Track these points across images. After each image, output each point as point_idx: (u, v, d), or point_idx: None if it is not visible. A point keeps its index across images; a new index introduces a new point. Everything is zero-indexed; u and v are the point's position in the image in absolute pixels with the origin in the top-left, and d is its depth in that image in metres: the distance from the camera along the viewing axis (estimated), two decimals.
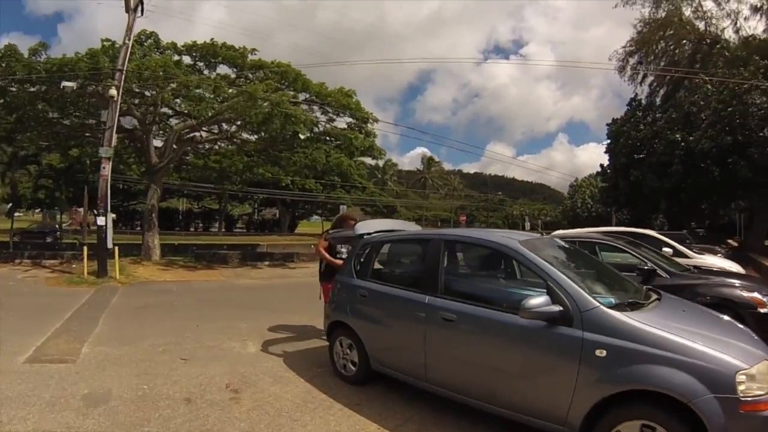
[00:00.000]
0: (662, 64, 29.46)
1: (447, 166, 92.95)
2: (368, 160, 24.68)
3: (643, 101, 28.33)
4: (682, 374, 2.52)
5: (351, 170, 20.53)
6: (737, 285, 6.09)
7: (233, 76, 16.91)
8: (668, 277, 6.10)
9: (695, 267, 7.26)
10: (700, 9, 27.85)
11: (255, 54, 16.75)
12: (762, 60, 20.18)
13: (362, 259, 4.71)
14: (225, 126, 17.87)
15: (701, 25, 27.40)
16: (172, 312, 8.04)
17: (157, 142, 17.88)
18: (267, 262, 18.17)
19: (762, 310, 5.46)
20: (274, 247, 25.96)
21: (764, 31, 25.91)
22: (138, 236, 19.57)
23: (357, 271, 4.66)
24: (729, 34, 26.93)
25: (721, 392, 2.44)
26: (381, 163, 53.94)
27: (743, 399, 2.44)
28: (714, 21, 27.51)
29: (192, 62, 16.63)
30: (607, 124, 29.21)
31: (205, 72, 16.66)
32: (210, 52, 16.17)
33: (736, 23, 27.28)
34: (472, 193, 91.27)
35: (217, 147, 20.06)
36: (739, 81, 19.80)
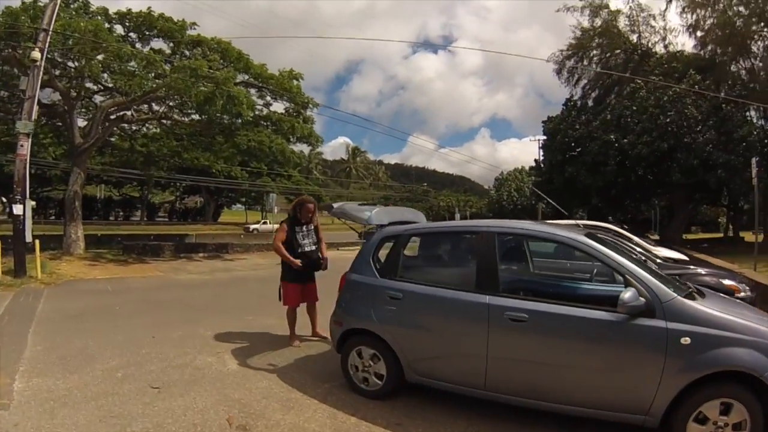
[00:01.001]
0: (595, 68, 31.18)
1: (369, 156, 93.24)
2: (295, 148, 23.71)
3: (578, 103, 29.93)
4: (754, 353, 2.72)
5: (293, 156, 19.61)
6: (715, 274, 6.51)
7: (168, 51, 15.13)
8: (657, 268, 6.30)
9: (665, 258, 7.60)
10: (634, 23, 29.88)
11: (194, 29, 15.12)
12: (696, 73, 22.46)
13: (385, 255, 4.08)
14: (155, 106, 16.15)
15: (634, 37, 29.42)
16: (117, 319, 6.71)
17: (79, 122, 15.63)
18: (202, 254, 17.18)
19: (738, 295, 5.81)
20: (203, 237, 24.41)
21: (694, 47, 28.37)
22: (54, 227, 17.36)
23: (379, 269, 4.02)
24: (660, 47, 29.11)
25: None
26: (306, 151, 52.82)
27: None
28: (645, 34, 29.63)
29: (124, 33, 14.56)
30: (543, 122, 30.51)
31: (138, 45, 14.62)
32: (145, 23, 14.23)
33: (665, 38, 29.56)
34: (394, 184, 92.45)
35: (145, 129, 18.09)
36: (681, 88, 21.54)
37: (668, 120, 21.84)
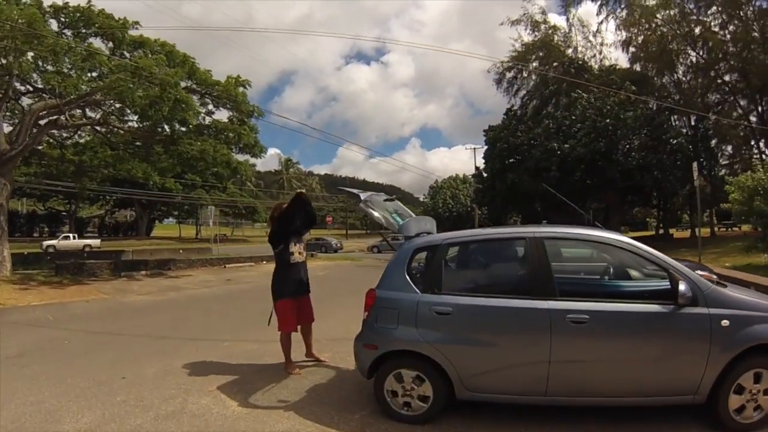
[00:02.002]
0: (534, 80, 32.58)
1: (300, 168, 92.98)
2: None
3: (518, 112, 31.05)
4: None
5: (240, 167, 18.54)
6: (689, 266, 6.79)
7: (107, 52, 13.70)
8: None
9: None
10: (572, 39, 31.55)
11: (137, 28, 13.80)
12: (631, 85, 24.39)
13: (423, 268, 3.74)
14: (89, 111, 14.58)
15: (570, 51, 31.03)
16: (70, 358, 5.54)
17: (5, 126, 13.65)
18: (143, 272, 15.71)
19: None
20: (140, 253, 22.53)
21: (627, 61, 30.40)
22: None
23: (419, 283, 3.65)
24: (596, 61, 30.95)
25: None
26: (252, 161, 51.06)
27: None
28: (582, 49, 31.37)
29: (58, 28, 12.90)
30: (484, 131, 31.56)
31: (72, 45, 13.03)
32: (84, 18, 12.72)
33: (601, 53, 31.45)
34: (327, 194, 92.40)
35: (77, 137, 16.34)
36: (624, 94, 22.90)
37: (606, 122, 23.22)
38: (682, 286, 3.20)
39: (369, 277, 16.81)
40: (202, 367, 5.06)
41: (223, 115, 16.50)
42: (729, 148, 32.16)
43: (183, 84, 14.15)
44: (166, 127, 14.83)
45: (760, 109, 28.24)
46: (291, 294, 4.86)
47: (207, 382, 4.56)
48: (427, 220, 4.47)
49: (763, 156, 28.47)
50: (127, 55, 13.71)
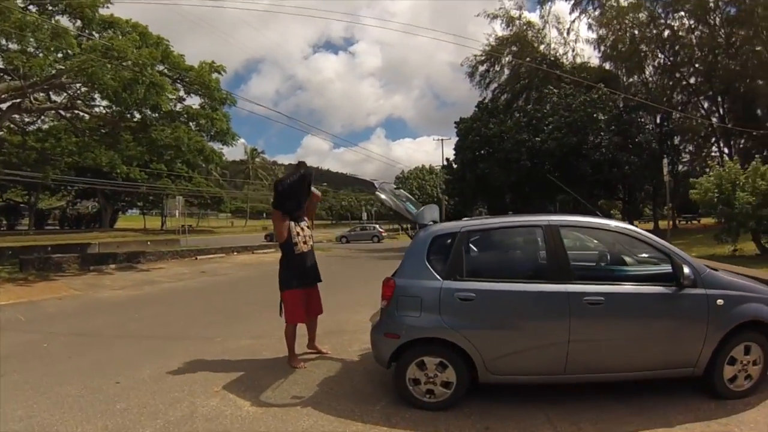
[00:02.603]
0: (506, 74, 32.94)
1: (265, 157, 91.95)
2: None
3: (489, 105, 31.37)
4: (762, 306, 3.63)
5: (213, 155, 17.91)
6: None
7: (74, 32, 12.85)
8: None
9: None
10: (544, 35, 32.02)
11: (108, 6, 12.95)
12: (604, 86, 25.27)
13: (445, 255, 3.71)
14: (54, 95, 13.71)
15: (542, 48, 31.50)
16: (54, 364, 5.00)
17: None
18: (113, 265, 15.03)
19: None
20: (106, 246, 21.45)
21: (599, 58, 31.12)
22: None
23: (440, 271, 3.65)
24: (568, 58, 31.54)
25: None
26: (225, 150, 49.89)
27: None
28: (554, 46, 31.93)
29: (23, 3, 11.87)
30: (456, 123, 31.73)
31: (39, 22, 12.09)
32: None
33: (574, 50, 32.08)
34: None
35: (39, 122, 15.33)
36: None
37: (576, 117, 23.80)
38: (686, 269, 3.53)
39: (346, 268, 16.74)
40: (200, 366, 4.79)
41: (192, 102, 15.80)
42: (690, 146, 33.59)
43: (157, 68, 13.44)
44: (136, 113, 14.11)
45: (721, 110, 29.62)
46: (299, 284, 4.68)
47: (210, 381, 4.33)
48: (434, 209, 4.40)
49: (723, 154, 29.91)
50: (96, 35, 12.88)
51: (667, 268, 3.64)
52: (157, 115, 14.19)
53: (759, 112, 27.38)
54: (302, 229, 4.77)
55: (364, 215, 57.41)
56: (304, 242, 4.75)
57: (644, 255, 4.11)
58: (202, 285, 11.89)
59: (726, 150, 30.31)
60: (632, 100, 27.73)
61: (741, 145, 28.71)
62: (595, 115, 24.54)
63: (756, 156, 15.60)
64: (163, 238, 28.42)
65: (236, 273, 14.66)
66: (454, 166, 33.35)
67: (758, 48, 24.69)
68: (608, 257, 4.37)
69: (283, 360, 4.91)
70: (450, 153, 34.12)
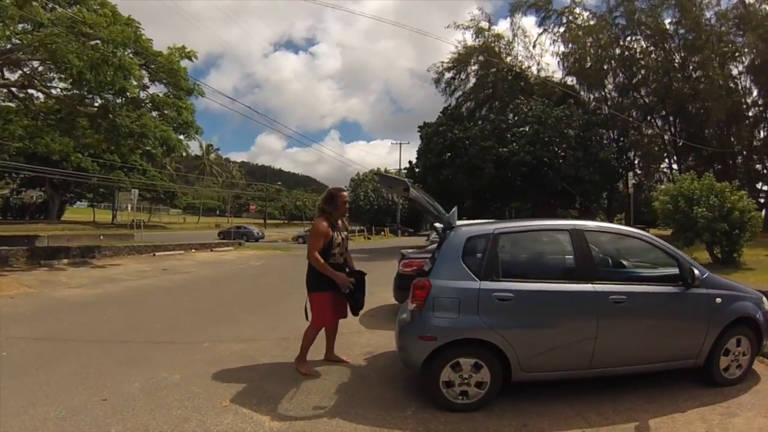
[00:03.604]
0: (472, 82, 33.56)
1: (220, 154, 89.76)
2: None
3: (454, 112, 31.84)
4: (750, 304, 4.18)
5: (179, 146, 17.01)
6: None
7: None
8: None
9: None
10: (511, 47, 32.88)
11: None
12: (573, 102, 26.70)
13: (480, 257, 3.74)
14: (7, 72, 12.54)
15: (509, 59, 32.32)
16: (20, 377, 4.21)
17: None
18: (65, 260, 14.01)
19: None
20: (56, 239, 20.07)
21: (563, 73, 32.25)
22: None
23: (476, 272, 3.66)
24: (533, 71, 32.52)
25: (762, 310, 4.23)
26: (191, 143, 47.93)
27: (764, 310, 4.25)
28: (520, 59, 32.87)
29: None
30: (419, 127, 32.09)
31: None
32: None
33: (539, 64, 33.11)
34: (251, 182, 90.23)
35: None
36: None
37: (550, 137, 24.67)
38: (696, 271, 3.93)
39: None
40: (196, 376, 4.30)
41: (155, 91, 14.95)
42: (643, 162, 35.43)
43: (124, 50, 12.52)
44: (98, 97, 13.19)
45: (673, 129, 31.43)
46: (331, 286, 4.34)
47: (214, 394, 3.90)
48: (455, 212, 4.39)
49: (672, 170, 31.76)
50: (59, 9, 11.89)
51: (674, 270, 4.02)
52: (121, 100, 13.31)
53: (708, 132, 29.16)
54: (341, 239, 4.50)
55: None
56: (341, 254, 4.50)
57: (652, 257, 4.40)
58: (167, 284, 11.19)
59: (675, 166, 32.21)
60: (596, 115, 28.93)
61: (690, 163, 30.39)
62: (565, 131, 25.40)
63: (706, 173, 16.58)
64: (115, 232, 26.91)
65: (200, 271, 13.97)
66: (416, 169, 33.51)
67: (710, 73, 26.37)
68: (624, 260, 4.56)
69: (284, 366, 4.62)
70: (406, 157, 34.31)
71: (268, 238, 40.95)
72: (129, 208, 26.40)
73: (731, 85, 28.78)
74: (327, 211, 4.40)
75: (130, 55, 13.04)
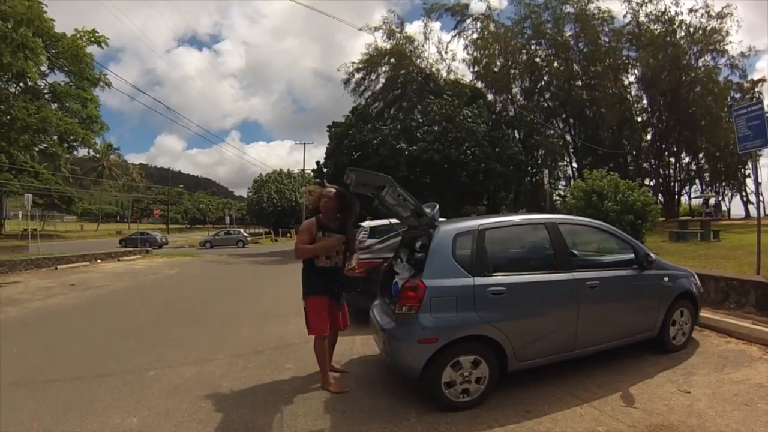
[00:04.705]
0: (382, 83, 34.16)
1: (119, 155, 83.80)
2: None
3: (363, 112, 32.09)
4: (687, 280, 4.94)
5: (87, 142, 15.24)
6: None
7: None
8: None
9: None
10: (423, 49, 33.87)
11: None
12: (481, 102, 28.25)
13: (468, 253, 3.79)
14: None
15: (419, 62, 33.29)
16: None
17: None
18: None
19: None
20: None
21: (473, 76, 33.78)
22: None
23: (468, 268, 3.70)
24: (443, 74, 33.78)
25: (694, 285, 5.05)
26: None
27: (696, 284, 5.10)
28: (431, 61, 34.01)
29: None
30: (328, 127, 31.86)
31: None
32: None
33: (449, 67, 34.46)
34: (152, 185, 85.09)
35: None
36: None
37: (458, 135, 25.63)
38: (652, 256, 4.60)
39: (233, 275, 15.72)
40: (156, 416, 3.66)
41: (54, 79, 13.27)
42: (547, 160, 38.41)
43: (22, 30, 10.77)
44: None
45: (572, 131, 34.50)
46: (326, 291, 4.11)
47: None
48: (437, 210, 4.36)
49: (572, 168, 34.88)
50: None
51: (629, 255, 4.59)
52: (16, 89, 11.56)
53: (603, 134, 32.49)
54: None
55: (227, 219, 54.59)
56: (327, 257, 4.21)
57: (611, 245, 4.88)
58: (79, 301, 9.84)
59: (575, 165, 35.25)
60: (503, 116, 30.74)
61: (586, 162, 33.39)
62: (474, 129, 26.52)
63: (610, 171, 18.40)
64: (5, 244, 23.46)
65: (113, 284, 12.59)
66: (325, 169, 33.20)
67: (606, 83, 29.39)
68: (589, 248, 5.03)
69: (255, 390, 4.19)
70: (309, 157, 33.94)
71: (173, 243, 38.94)
72: (20, 215, 23.08)
73: (624, 93, 32.49)
74: (318, 211, 4.25)
75: (30, 37, 11.35)
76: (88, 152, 16.71)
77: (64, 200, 50.36)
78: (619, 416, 3.49)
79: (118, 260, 19.46)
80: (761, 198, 42.31)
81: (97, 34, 12.44)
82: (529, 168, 32.77)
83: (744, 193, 39.73)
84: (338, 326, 4.35)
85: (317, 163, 34.10)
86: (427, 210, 4.16)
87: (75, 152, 18.04)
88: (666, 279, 4.69)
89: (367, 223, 11.45)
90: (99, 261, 18.30)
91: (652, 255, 4.65)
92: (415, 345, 3.53)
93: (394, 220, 4.82)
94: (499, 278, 3.79)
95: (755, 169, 7.11)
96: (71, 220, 70.74)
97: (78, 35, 12.06)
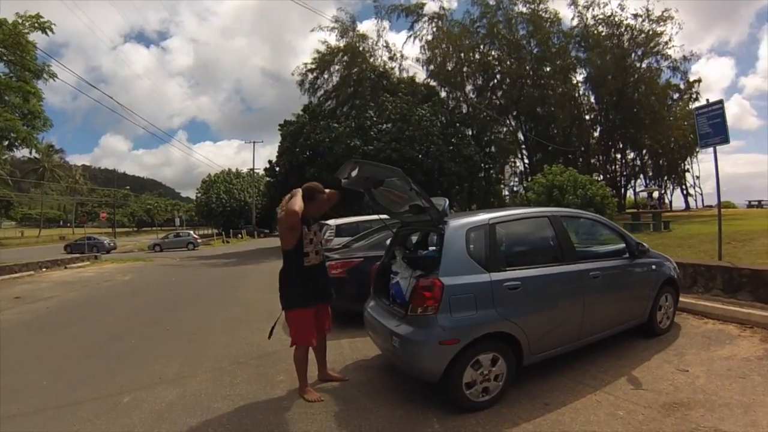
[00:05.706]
0: (335, 81, 34.02)
1: (63, 156, 79.48)
2: None
3: (316, 110, 31.81)
4: (668, 266, 5.20)
5: (29, 140, 13.96)
6: None
7: None
8: None
9: None
10: (376, 48, 33.92)
11: None
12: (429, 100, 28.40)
13: (481, 248, 3.70)
14: None
15: (373, 60, 33.44)
16: None
17: None
18: None
19: None
20: None
21: (426, 74, 34.17)
22: None
23: (483, 264, 3.61)
24: (395, 73, 34.01)
25: (674, 270, 5.31)
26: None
27: (676, 270, 5.38)
28: (385, 60, 34.16)
29: None
30: (280, 125, 31.34)
31: None
32: None
33: (401, 66, 34.74)
34: (97, 188, 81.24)
35: None
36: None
37: (415, 133, 25.88)
38: (645, 246, 4.83)
39: (192, 278, 15.12)
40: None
41: None
42: (498, 156, 39.50)
43: None
44: None
45: (524, 128, 35.64)
46: (312, 301, 3.89)
47: None
48: (447, 204, 4.29)
49: (525, 164, 35.96)
50: None
51: (621, 245, 4.78)
52: None
53: (553, 131, 33.83)
54: (314, 237, 4.00)
55: (177, 221, 52.65)
56: (316, 252, 3.99)
57: (604, 235, 5.05)
58: (28, 316, 8.76)
59: (527, 161, 36.33)
60: (456, 114, 31.21)
61: (538, 158, 34.52)
62: (430, 128, 26.84)
63: (568, 167, 19.06)
64: None
65: (64, 295, 11.56)
66: (277, 168, 32.60)
67: (556, 82, 30.51)
68: (587, 239, 5.17)
69: (250, 408, 3.83)
70: (258, 156, 33.17)
71: (122, 248, 36.85)
72: None
73: (573, 92, 33.87)
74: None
75: None
76: (31, 152, 15.33)
77: (3, 205, 46.75)
78: (633, 399, 3.61)
79: (66, 268, 18.23)
80: (701, 191, 46.16)
81: (41, 20, 11.34)
82: (482, 165, 33.43)
83: (684, 187, 43.07)
84: (324, 330, 4.16)
85: (270, 162, 33.42)
86: (439, 203, 4.03)
87: (12, 152, 16.51)
88: (654, 267, 4.94)
89: (333, 221, 11.19)
90: (44, 270, 17.09)
91: (644, 245, 4.86)
92: (435, 348, 3.38)
93: (384, 216, 4.72)
94: (514, 273, 3.75)
95: (716, 162, 7.59)
96: (10, 226, 65.78)
97: (20, 20, 10.97)
